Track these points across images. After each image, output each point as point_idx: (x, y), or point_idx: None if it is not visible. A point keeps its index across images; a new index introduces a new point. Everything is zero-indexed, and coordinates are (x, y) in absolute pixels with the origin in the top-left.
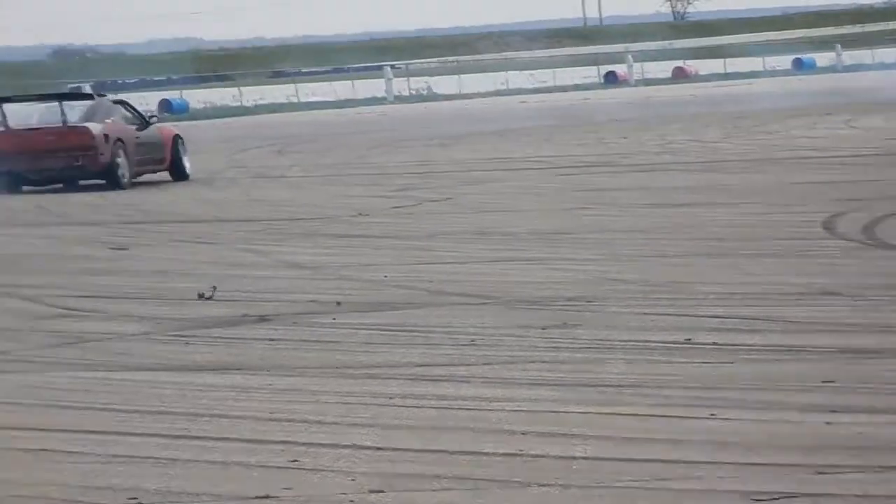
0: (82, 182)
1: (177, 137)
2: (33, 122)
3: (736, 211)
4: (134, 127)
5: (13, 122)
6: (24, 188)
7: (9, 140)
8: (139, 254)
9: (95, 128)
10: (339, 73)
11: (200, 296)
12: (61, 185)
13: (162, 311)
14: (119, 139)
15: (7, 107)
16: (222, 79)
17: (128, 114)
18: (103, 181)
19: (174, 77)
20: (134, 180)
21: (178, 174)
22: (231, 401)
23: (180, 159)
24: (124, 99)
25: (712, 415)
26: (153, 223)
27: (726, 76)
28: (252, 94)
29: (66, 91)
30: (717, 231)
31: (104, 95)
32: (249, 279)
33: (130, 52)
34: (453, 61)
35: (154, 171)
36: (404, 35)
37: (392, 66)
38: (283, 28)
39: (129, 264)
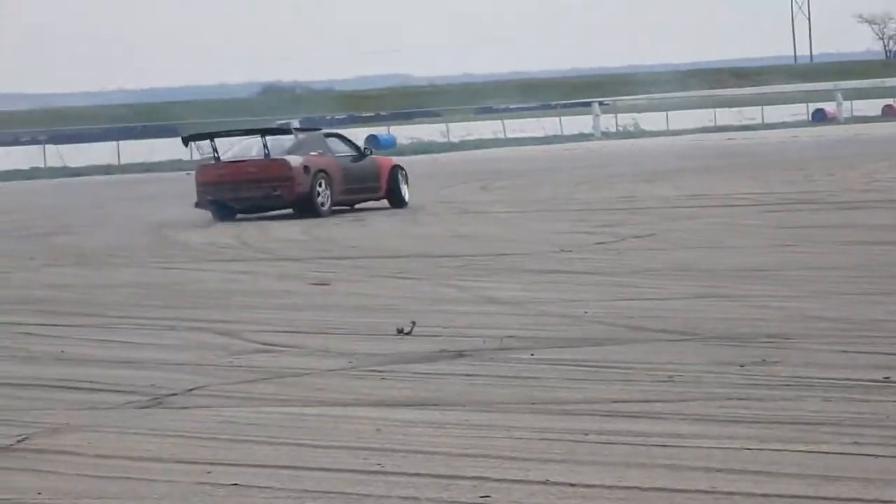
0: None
1: (396, 168)
2: (240, 154)
3: None
4: (348, 158)
5: (224, 156)
6: (238, 216)
7: (218, 171)
8: (340, 289)
9: (294, 160)
10: (546, 109)
11: (399, 331)
12: (270, 217)
13: (360, 347)
14: (322, 171)
15: (218, 141)
16: (430, 115)
17: (342, 146)
18: (303, 209)
19: (383, 113)
20: (344, 207)
21: (397, 202)
22: (426, 436)
23: (398, 188)
24: (339, 132)
25: None
26: (355, 258)
27: None
28: (459, 130)
29: (273, 127)
30: None
31: (319, 129)
32: (450, 314)
33: (339, 89)
34: (661, 98)
35: (368, 200)
36: (613, 71)
37: (600, 103)
38: (492, 64)
39: (329, 299)
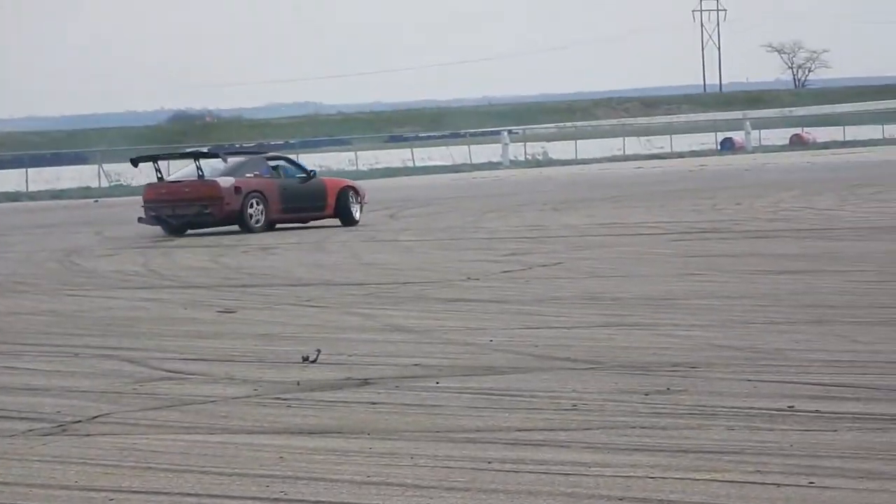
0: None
1: (346, 189)
2: (182, 175)
3: (846, 279)
4: (293, 180)
5: (170, 176)
6: (189, 232)
7: (160, 190)
8: (246, 317)
9: (225, 181)
10: (456, 137)
11: (305, 359)
12: (179, 245)
13: (265, 374)
14: (256, 191)
15: (161, 163)
16: (340, 143)
17: (289, 168)
18: (235, 226)
19: (292, 141)
20: (292, 225)
21: (346, 220)
22: (330, 464)
23: (347, 207)
24: (287, 156)
25: (811, 483)
26: (262, 286)
27: (845, 143)
28: (368, 159)
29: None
30: (827, 298)
31: (262, 153)
32: (355, 342)
33: (249, 117)
34: (570, 127)
35: (314, 218)
36: (524, 100)
37: (509, 132)
38: (403, 93)
39: (235, 327)
